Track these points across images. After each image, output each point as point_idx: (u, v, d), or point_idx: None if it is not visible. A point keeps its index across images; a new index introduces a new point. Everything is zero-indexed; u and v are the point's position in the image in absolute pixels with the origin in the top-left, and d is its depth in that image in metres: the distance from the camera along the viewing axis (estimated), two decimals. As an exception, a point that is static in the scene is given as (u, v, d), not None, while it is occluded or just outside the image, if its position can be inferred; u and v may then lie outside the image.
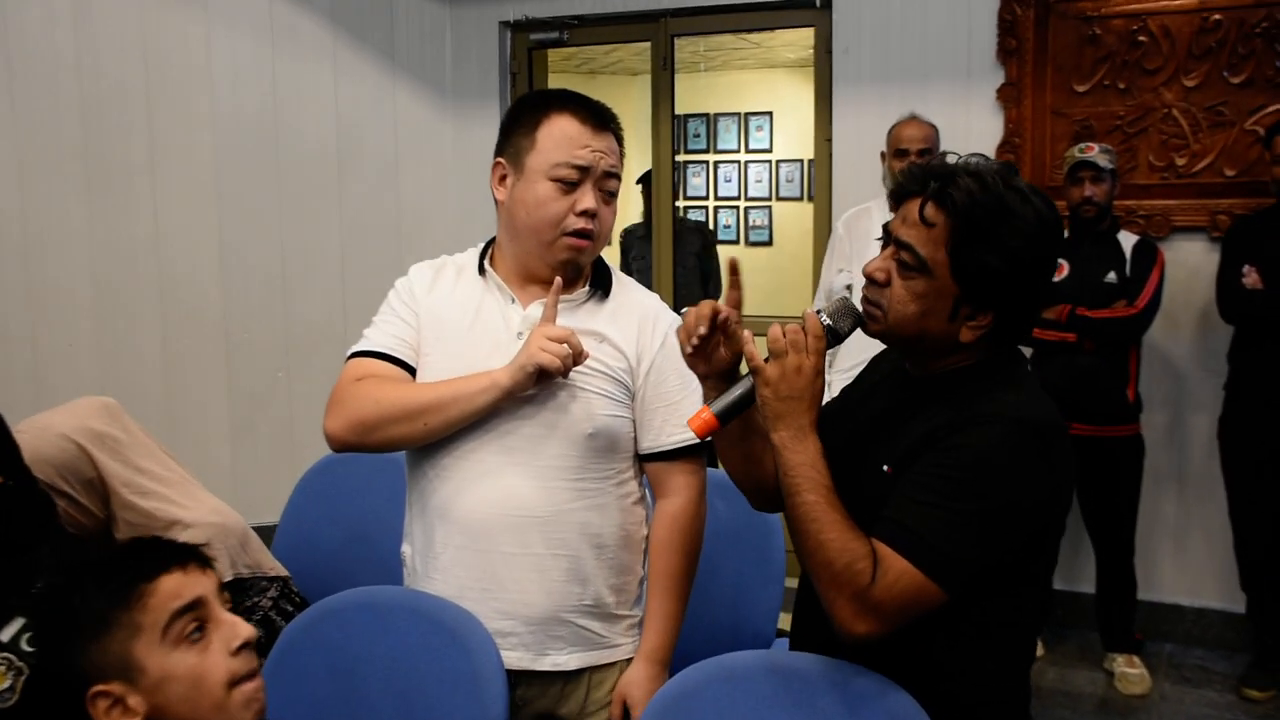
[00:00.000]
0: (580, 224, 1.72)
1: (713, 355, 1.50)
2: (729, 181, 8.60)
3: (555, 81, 5.79)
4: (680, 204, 8.48)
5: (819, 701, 1.43)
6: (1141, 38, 3.80)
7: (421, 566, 1.80)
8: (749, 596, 2.35)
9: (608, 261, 1.88)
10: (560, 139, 1.72)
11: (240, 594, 2.12)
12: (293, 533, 2.58)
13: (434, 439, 1.72)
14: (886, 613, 1.31)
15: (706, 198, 8.64)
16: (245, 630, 1.26)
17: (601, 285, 1.83)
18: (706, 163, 8.62)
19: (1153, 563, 3.93)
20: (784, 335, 1.39)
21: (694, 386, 1.81)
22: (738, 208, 8.58)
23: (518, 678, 1.74)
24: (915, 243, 1.39)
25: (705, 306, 1.48)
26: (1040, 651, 3.82)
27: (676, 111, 4.71)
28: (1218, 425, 3.63)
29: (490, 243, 1.87)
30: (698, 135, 8.61)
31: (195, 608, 1.24)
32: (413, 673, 1.68)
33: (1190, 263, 3.81)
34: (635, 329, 1.80)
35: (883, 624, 1.31)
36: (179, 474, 2.19)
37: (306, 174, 4.66)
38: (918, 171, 1.43)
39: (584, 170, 1.72)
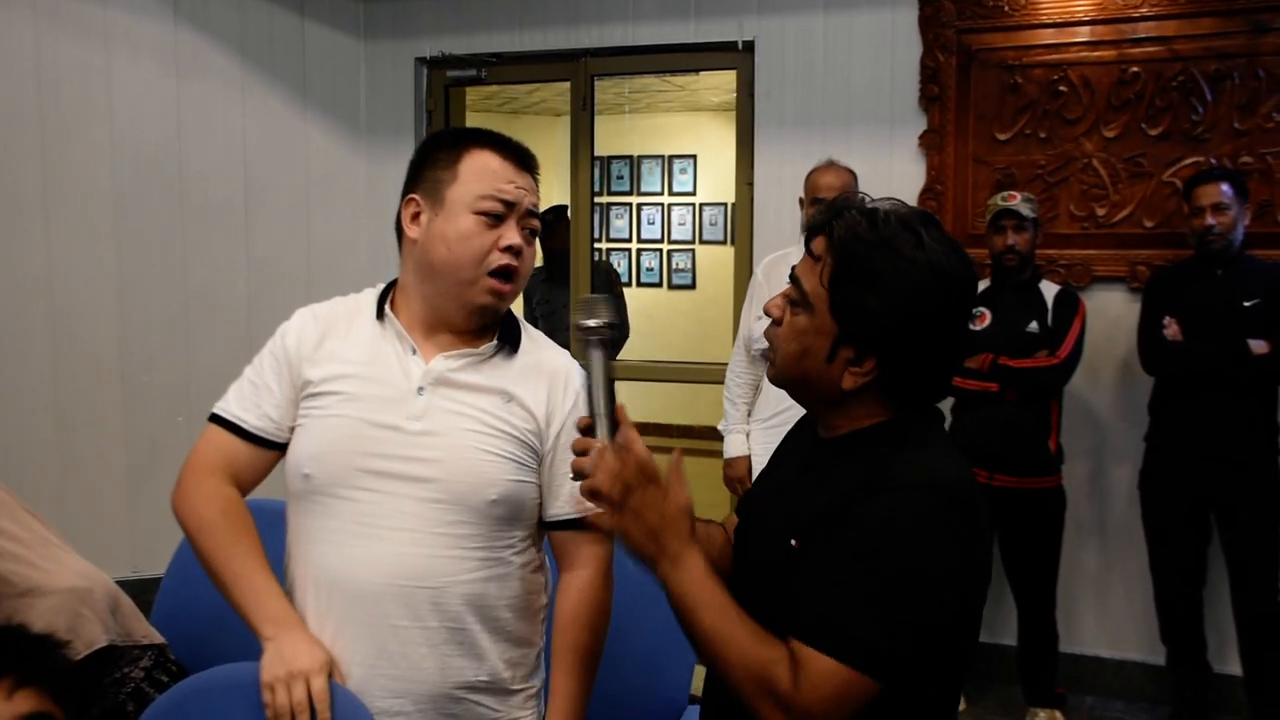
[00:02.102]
0: (505, 260, 1.62)
1: None
2: (652, 224, 8.56)
3: (475, 120, 5.69)
4: (603, 246, 8.43)
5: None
6: (1062, 88, 3.82)
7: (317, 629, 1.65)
8: (661, 661, 2.24)
9: (521, 320, 1.78)
10: (484, 172, 1.63)
11: (110, 664, 1.93)
12: (176, 590, 2.40)
13: None
14: (818, 716, 1.20)
15: (630, 240, 8.58)
16: None
17: (510, 340, 1.71)
18: (630, 205, 8.58)
19: (1074, 614, 3.89)
20: (608, 482, 1.30)
21: None
22: (661, 250, 8.54)
23: None
24: (801, 276, 1.34)
25: (578, 441, 1.37)
26: (962, 706, 3.75)
27: (600, 153, 4.64)
28: (1139, 477, 3.62)
29: (391, 285, 1.74)
30: (621, 177, 8.57)
31: None
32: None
33: (1111, 313, 3.81)
34: (545, 389, 1.69)
35: None
36: (40, 534, 1.99)
37: (212, 211, 4.49)
38: (825, 210, 1.36)
39: (509, 205, 1.63)
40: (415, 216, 1.66)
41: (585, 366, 1.36)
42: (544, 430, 1.67)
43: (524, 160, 1.68)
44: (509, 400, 1.65)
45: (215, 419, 1.71)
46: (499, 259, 1.61)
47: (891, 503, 1.24)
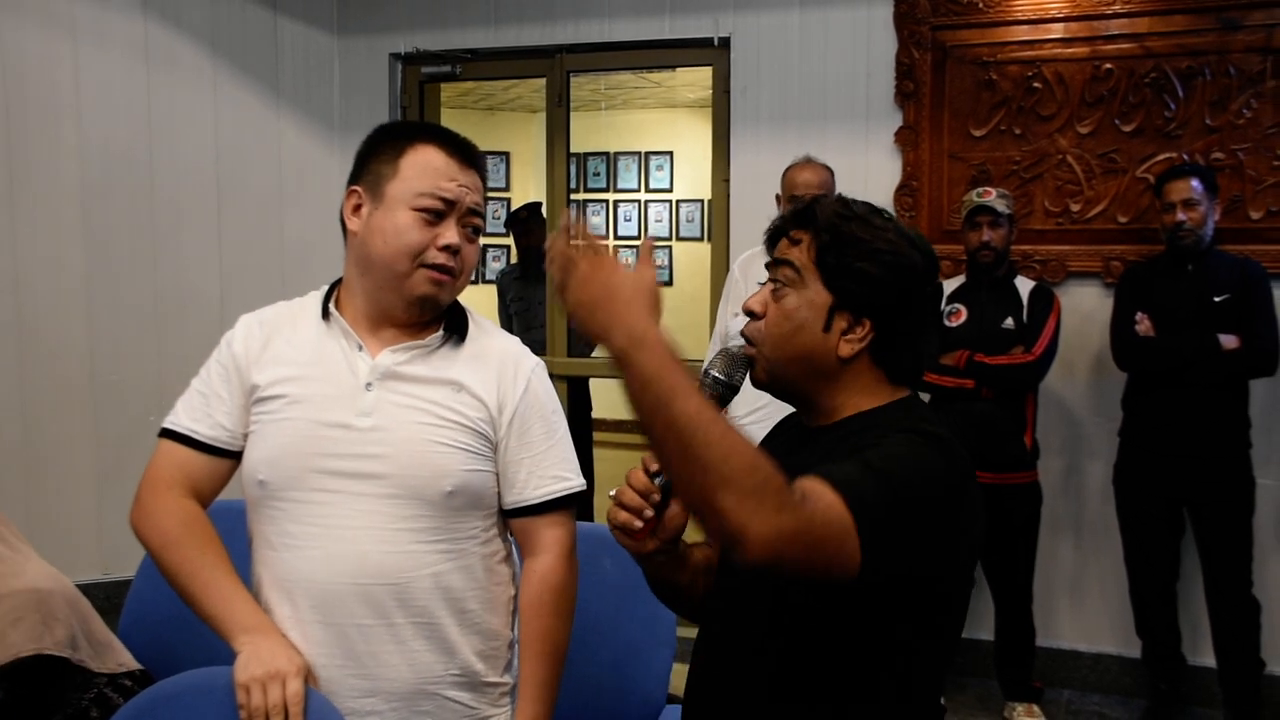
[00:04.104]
0: (441, 259, 1.61)
1: (666, 524, 1.32)
2: (629, 221, 8.55)
3: (450, 117, 5.66)
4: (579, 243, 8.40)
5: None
6: (1036, 84, 3.83)
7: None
8: (638, 659, 2.22)
9: (465, 304, 1.76)
10: (425, 168, 1.61)
11: (72, 668, 1.89)
12: (146, 594, 2.36)
13: None
14: (799, 532, 1.10)
15: (606, 237, 8.56)
16: None
17: (457, 329, 1.70)
18: (606, 201, 8.56)
19: (1050, 609, 3.91)
20: (558, 265, 1.22)
21: (561, 434, 1.72)
22: (638, 247, 8.52)
23: None
24: (788, 256, 1.38)
25: (638, 476, 1.29)
26: (941, 702, 3.75)
27: (576, 150, 4.63)
28: (1113, 471, 3.63)
29: (335, 285, 1.72)
30: (598, 174, 8.55)
31: None
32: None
33: (1084, 308, 3.82)
34: (495, 376, 1.67)
35: (788, 540, 1.09)
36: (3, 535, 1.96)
37: (183, 208, 4.44)
38: (796, 207, 1.41)
39: (449, 204, 1.61)
40: (356, 209, 1.64)
41: None
42: (496, 418, 1.66)
43: (469, 157, 1.66)
44: (459, 390, 1.64)
45: (167, 433, 1.68)
46: (435, 257, 1.60)
47: (897, 439, 1.25)
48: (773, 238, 1.43)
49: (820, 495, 1.14)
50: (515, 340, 1.76)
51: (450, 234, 1.61)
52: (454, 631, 1.62)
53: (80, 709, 1.85)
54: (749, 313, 1.39)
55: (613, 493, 1.31)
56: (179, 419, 1.68)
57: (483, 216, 1.68)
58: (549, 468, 1.69)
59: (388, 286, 1.62)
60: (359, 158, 1.67)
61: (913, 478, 1.22)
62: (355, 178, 1.66)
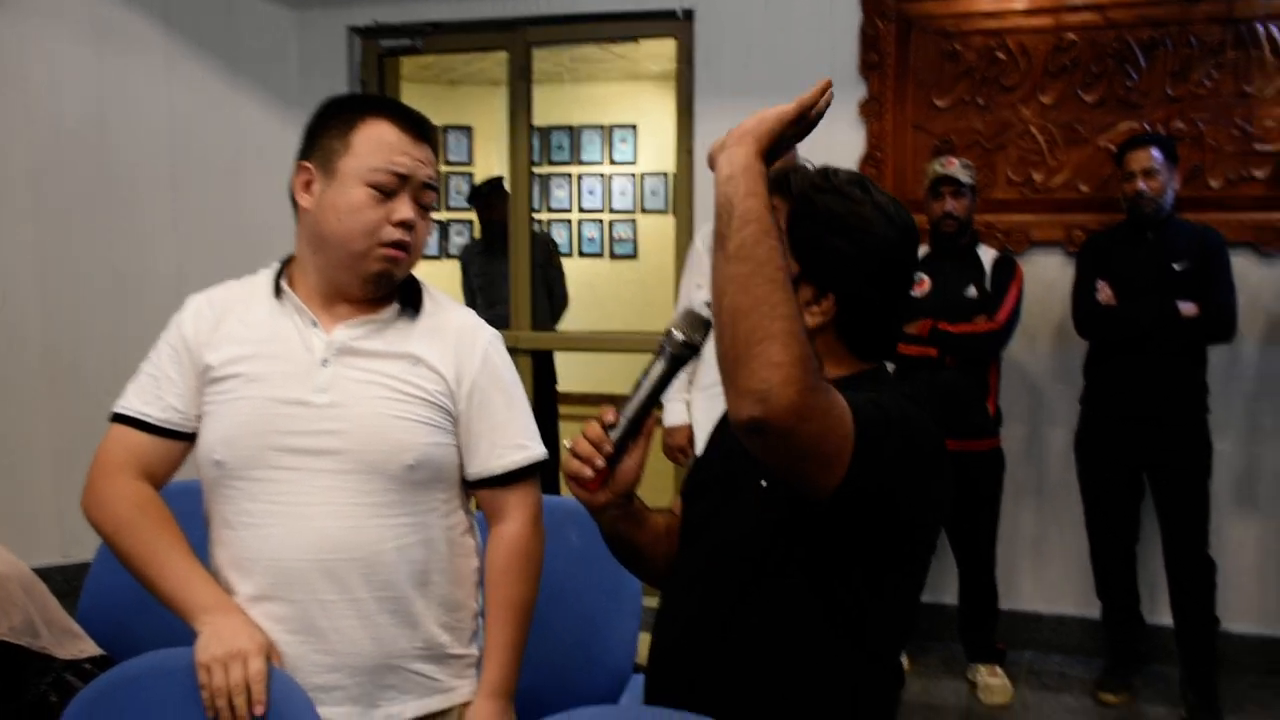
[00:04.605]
0: (397, 235, 1.59)
1: (618, 478, 1.37)
2: (592, 194, 8.51)
3: (412, 91, 5.59)
4: (544, 217, 8.37)
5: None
6: (1000, 54, 3.83)
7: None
8: (603, 630, 2.22)
9: (420, 278, 1.75)
10: (378, 143, 1.59)
11: (29, 654, 1.87)
12: (104, 576, 2.33)
13: None
14: (819, 414, 1.13)
15: (570, 210, 8.52)
16: None
17: (411, 302, 1.68)
18: (570, 175, 8.50)
19: (1012, 572, 3.96)
20: None
21: (520, 403, 1.72)
22: (602, 221, 8.49)
23: None
24: None
25: (593, 428, 1.34)
26: (906, 666, 3.80)
27: (539, 123, 4.59)
28: (1074, 438, 3.67)
29: (286, 262, 1.70)
30: (561, 147, 8.49)
31: None
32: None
33: (1047, 277, 3.85)
34: (452, 349, 1.67)
35: (807, 416, 1.11)
36: None
37: (138, 185, 4.38)
38: (776, 171, 1.38)
39: (403, 178, 1.60)
40: (307, 185, 1.62)
41: (648, 368, 1.35)
42: (454, 390, 1.65)
43: (421, 131, 1.64)
44: (416, 363, 1.63)
45: (117, 418, 1.65)
46: (391, 234, 1.59)
47: (865, 400, 1.26)
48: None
49: (840, 396, 1.18)
50: (471, 313, 1.76)
51: (405, 209, 1.59)
52: (418, 604, 1.62)
53: (39, 694, 1.83)
54: None
55: (568, 443, 1.35)
56: (129, 402, 1.65)
57: (436, 190, 1.67)
58: (511, 437, 1.69)
59: (342, 264, 1.60)
60: (309, 132, 1.65)
61: (903, 419, 1.26)
62: (305, 153, 1.64)
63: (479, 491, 1.71)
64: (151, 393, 1.64)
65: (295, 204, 1.64)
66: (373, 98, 1.68)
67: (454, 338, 1.67)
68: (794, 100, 1.26)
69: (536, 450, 1.72)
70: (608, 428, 1.33)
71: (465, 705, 1.68)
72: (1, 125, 4.11)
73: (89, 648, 1.97)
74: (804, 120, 1.27)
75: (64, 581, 3.58)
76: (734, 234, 1.16)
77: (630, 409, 1.34)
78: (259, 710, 1.47)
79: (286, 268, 1.69)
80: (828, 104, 1.28)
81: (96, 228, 4.30)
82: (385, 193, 1.58)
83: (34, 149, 4.16)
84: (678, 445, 3.63)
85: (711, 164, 1.24)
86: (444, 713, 1.67)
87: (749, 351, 1.10)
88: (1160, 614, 3.70)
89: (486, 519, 1.74)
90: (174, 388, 1.63)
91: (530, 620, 1.71)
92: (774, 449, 1.14)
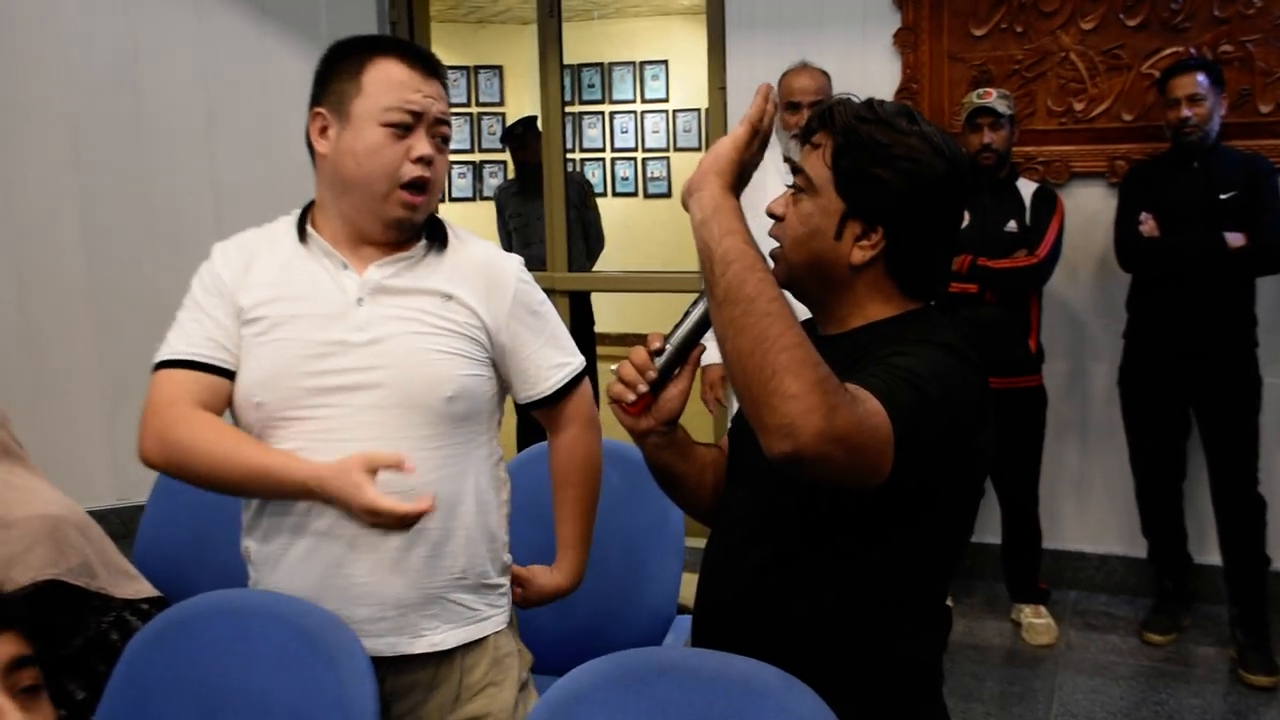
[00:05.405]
0: (417, 171, 1.60)
1: (661, 406, 1.39)
2: (625, 133, 8.44)
3: (441, 30, 5.55)
4: (576, 156, 8.31)
5: (716, 705, 1.31)
6: (1038, -21, 3.73)
7: (270, 560, 1.66)
8: (646, 571, 2.25)
9: (444, 218, 1.76)
10: (389, 83, 1.59)
11: (88, 592, 1.90)
12: (159, 517, 2.38)
13: None
14: (850, 434, 1.10)
15: (603, 149, 8.47)
16: None
17: (438, 238, 1.70)
18: (602, 113, 8.43)
19: (1056, 512, 3.93)
20: None
21: (553, 323, 1.78)
22: (635, 159, 8.43)
23: (386, 667, 1.62)
24: (804, 163, 1.37)
25: (639, 353, 1.36)
26: (949, 604, 3.80)
27: (569, 61, 4.54)
28: (1118, 373, 3.62)
29: (309, 206, 1.70)
30: (592, 85, 8.41)
31: None
32: (272, 691, 1.52)
33: (1088, 209, 3.78)
34: (484, 285, 1.69)
35: (838, 440, 1.09)
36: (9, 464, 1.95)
37: (171, 132, 4.39)
38: (812, 116, 1.38)
39: (417, 115, 1.60)
40: (323, 131, 1.62)
41: (697, 299, 1.36)
42: (488, 325, 1.68)
43: (430, 67, 1.64)
44: (448, 299, 1.65)
45: (163, 364, 1.63)
46: (411, 170, 1.59)
47: (912, 352, 1.25)
48: (802, 141, 1.40)
49: (868, 402, 1.15)
50: (494, 247, 1.80)
51: (422, 145, 1.60)
52: (460, 535, 1.66)
53: (100, 632, 1.87)
54: (772, 214, 1.39)
55: (614, 367, 1.38)
56: (173, 347, 1.64)
57: (449, 125, 1.67)
58: (551, 358, 1.75)
59: (365, 208, 1.61)
60: (318, 78, 1.64)
61: (943, 392, 1.22)
62: (317, 99, 1.63)
63: (534, 411, 1.79)
64: (196, 334, 1.63)
65: (313, 151, 1.64)
66: (378, 37, 1.66)
67: (484, 275, 1.70)
68: (742, 120, 1.27)
69: (576, 362, 1.79)
70: (654, 354, 1.35)
71: (496, 635, 1.73)
72: (40, 76, 4.14)
73: (145, 589, 2.01)
74: (757, 136, 1.27)
75: (121, 524, 3.67)
76: (719, 279, 1.16)
77: (677, 337, 1.36)
78: None
79: (308, 213, 1.69)
80: (774, 113, 1.29)
81: (132, 174, 4.33)
82: (401, 131, 1.59)
83: (71, 99, 4.20)
84: (709, 383, 3.61)
85: (686, 208, 1.25)
86: (477, 645, 1.71)
87: (764, 390, 1.10)
88: (1208, 553, 3.66)
89: (545, 429, 1.83)
90: (218, 328, 1.63)
91: (595, 513, 1.83)
92: (816, 476, 1.14)
